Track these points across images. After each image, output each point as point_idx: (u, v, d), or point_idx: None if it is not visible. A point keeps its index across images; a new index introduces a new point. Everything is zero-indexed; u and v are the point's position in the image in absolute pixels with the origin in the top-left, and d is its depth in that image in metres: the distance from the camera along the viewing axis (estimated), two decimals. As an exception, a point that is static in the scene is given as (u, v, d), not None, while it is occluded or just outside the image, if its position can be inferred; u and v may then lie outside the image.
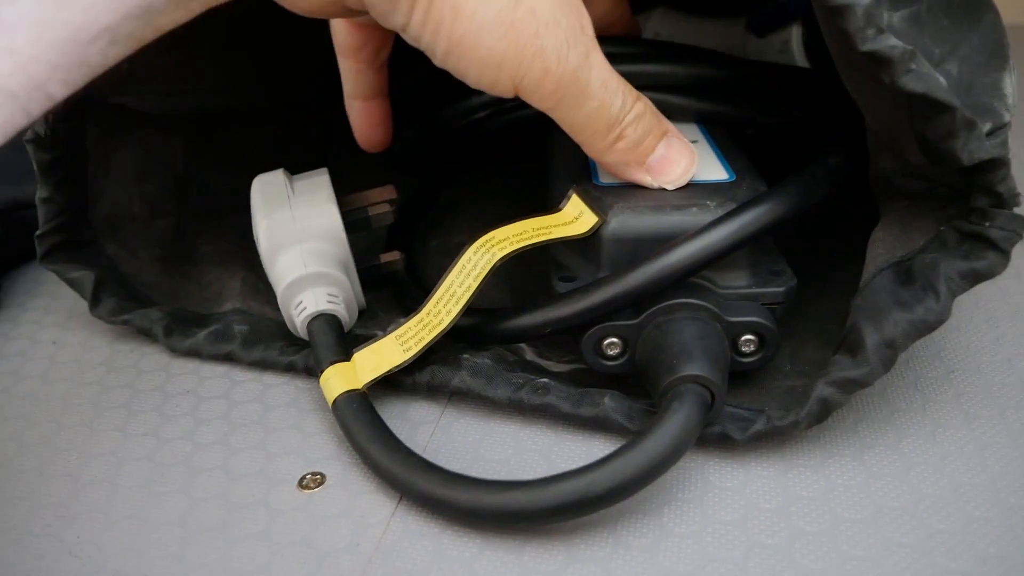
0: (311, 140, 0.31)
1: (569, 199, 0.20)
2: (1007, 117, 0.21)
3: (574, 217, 0.20)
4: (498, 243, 0.19)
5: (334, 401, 0.19)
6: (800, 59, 0.33)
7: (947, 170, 0.18)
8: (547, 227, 0.20)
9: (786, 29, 0.34)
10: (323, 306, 0.21)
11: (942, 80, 0.17)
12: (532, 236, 0.20)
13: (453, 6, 0.16)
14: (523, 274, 0.25)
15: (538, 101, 0.18)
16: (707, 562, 0.16)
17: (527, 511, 0.16)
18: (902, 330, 0.17)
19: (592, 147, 0.19)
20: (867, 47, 0.16)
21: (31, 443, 0.21)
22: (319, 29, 0.24)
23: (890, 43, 0.16)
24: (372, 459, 0.18)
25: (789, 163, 0.23)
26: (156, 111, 0.27)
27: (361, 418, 0.19)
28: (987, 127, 0.20)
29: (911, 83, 0.16)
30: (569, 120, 0.19)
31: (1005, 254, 0.17)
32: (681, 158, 0.20)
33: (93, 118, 0.24)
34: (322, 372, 0.20)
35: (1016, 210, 0.17)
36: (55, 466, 0.20)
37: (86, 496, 0.19)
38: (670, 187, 0.20)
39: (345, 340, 0.21)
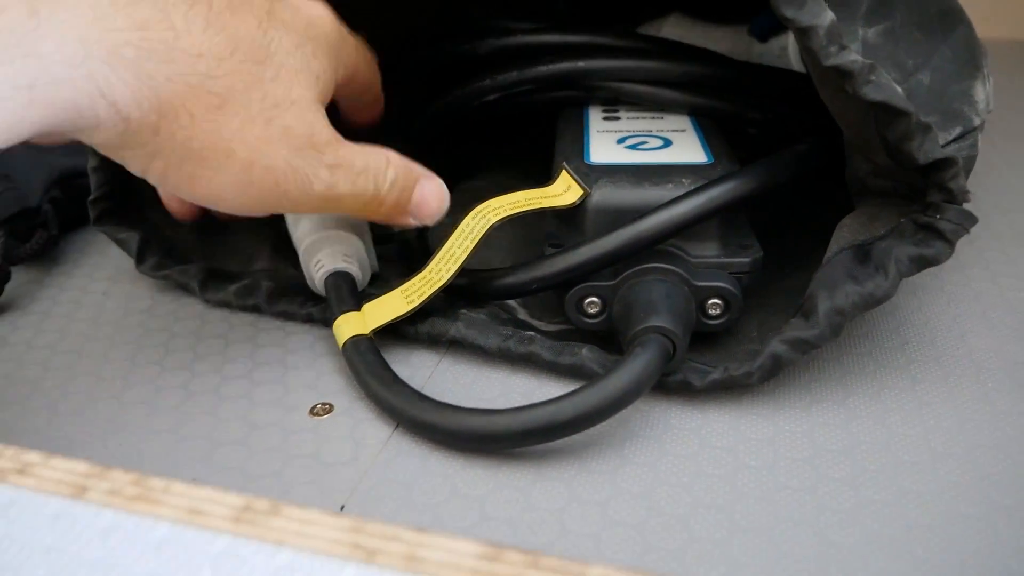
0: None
1: (559, 174, 0.23)
2: (977, 121, 0.23)
3: (563, 190, 0.22)
4: (493, 210, 0.22)
5: (344, 343, 0.22)
6: (796, 61, 0.35)
7: (909, 171, 0.20)
8: (538, 197, 0.22)
9: (784, 34, 0.36)
10: (339, 264, 0.24)
11: (899, 89, 0.19)
12: (524, 205, 0.22)
13: (189, 175, 0.18)
14: (524, 248, 0.28)
15: (300, 212, 0.21)
16: (658, 485, 0.18)
17: (500, 434, 0.18)
18: (851, 301, 0.20)
19: (360, 216, 0.22)
20: (830, 62, 0.18)
21: (81, 372, 0.24)
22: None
23: (851, 58, 0.18)
24: (372, 390, 0.21)
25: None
26: None
27: (366, 358, 0.21)
28: (957, 131, 0.23)
29: (871, 92, 0.18)
30: (335, 211, 0.21)
31: (951, 244, 0.19)
32: (433, 198, 0.23)
33: None
34: (335, 319, 0.23)
35: (966, 206, 0.19)
36: (101, 390, 0.23)
37: (128, 414, 0.22)
38: (429, 223, 0.23)
39: (357, 294, 0.24)
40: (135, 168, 0.19)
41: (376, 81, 0.26)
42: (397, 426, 0.21)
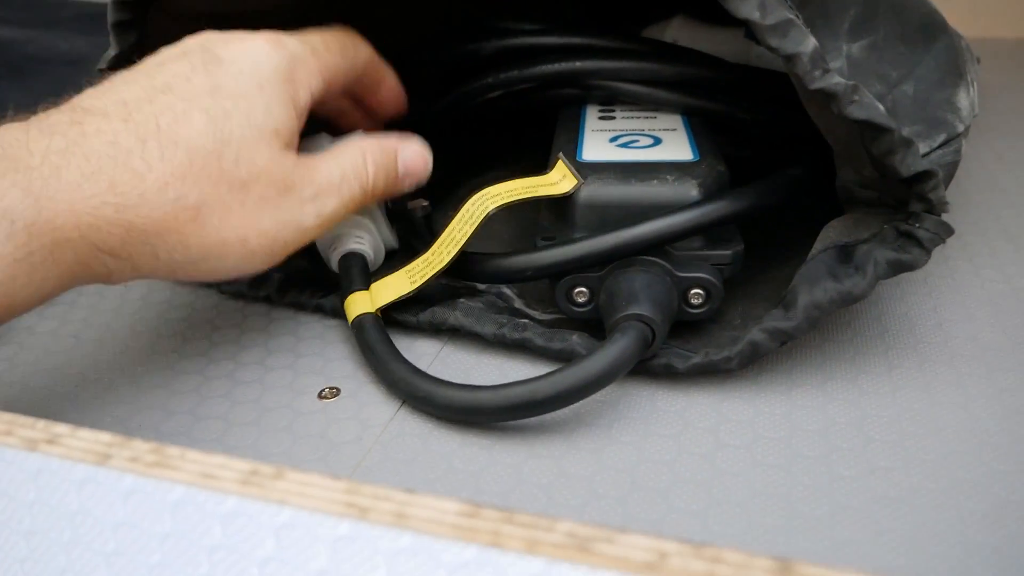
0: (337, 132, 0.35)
1: (555, 165, 0.24)
2: (961, 128, 0.24)
3: (559, 179, 0.24)
4: (491, 197, 0.23)
5: (353, 320, 0.23)
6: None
7: (893, 183, 0.21)
8: (535, 186, 0.24)
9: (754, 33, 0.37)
10: (352, 246, 0.26)
11: (881, 107, 0.20)
12: (521, 192, 0.23)
13: (198, 271, 0.21)
14: (522, 239, 0.29)
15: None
16: (642, 462, 0.20)
17: (486, 407, 0.20)
18: (829, 297, 0.21)
19: (366, 204, 0.24)
20: (815, 86, 0.20)
21: (104, 359, 0.25)
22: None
23: (834, 81, 0.20)
24: (375, 363, 0.22)
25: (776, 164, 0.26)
26: None
27: (372, 333, 0.23)
28: (941, 138, 0.24)
29: (855, 112, 0.20)
30: (343, 218, 0.23)
31: (927, 251, 0.21)
32: (416, 160, 0.25)
33: None
34: (345, 297, 0.24)
35: (945, 216, 0.20)
36: (121, 376, 0.24)
37: (147, 396, 0.23)
38: (423, 182, 0.25)
39: (367, 274, 0.25)
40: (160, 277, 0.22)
41: (383, 73, 0.27)
42: (400, 407, 0.22)
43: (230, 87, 0.21)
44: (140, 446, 0.15)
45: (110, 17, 0.25)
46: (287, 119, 0.22)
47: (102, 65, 0.26)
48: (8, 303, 0.19)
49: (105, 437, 0.15)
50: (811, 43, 0.20)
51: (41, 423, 0.16)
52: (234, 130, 0.20)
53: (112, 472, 0.14)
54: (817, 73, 0.20)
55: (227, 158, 0.20)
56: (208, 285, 0.28)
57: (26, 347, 0.26)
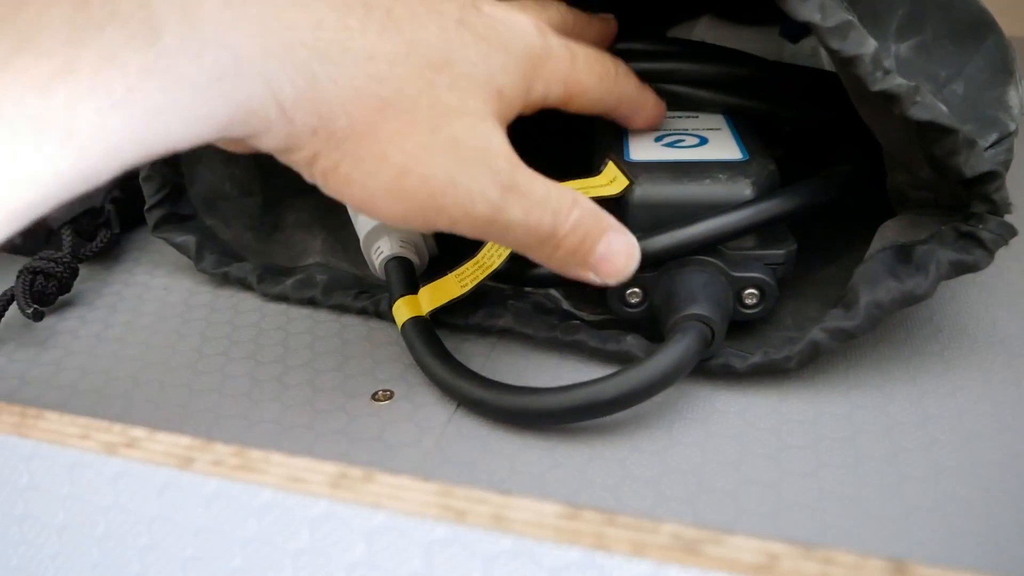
0: None
1: (605, 165, 0.24)
2: (1012, 127, 0.24)
3: (609, 180, 0.24)
4: (542, 201, 0.23)
5: (403, 324, 0.23)
6: (827, 62, 0.36)
7: (952, 183, 0.21)
8: (586, 187, 0.23)
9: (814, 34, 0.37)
10: (397, 250, 0.25)
11: (943, 108, 0.20)
12: None
13: (345, 177, 0.17)
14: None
15: (463, 234, 0.19)
16: (706, 463, 0.19)
17: (549, 410, 0.20)
18: (891, 296, 0.21)
19: (533, 256, 0.20)
20: (877, 88, 0.19)
21: (152, 362, 0.25)
22: None
23: (896, 82, 0.19)
24: (429, 368, 0.22)
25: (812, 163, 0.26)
26: None
27: (423, 337, 0.23)
28: (993, 137, 0.23)
29: (918, 113, 0.19)
30: (503, 241, 0.20)
31: (991, 253, 0.20)
32: (621, 255, 0.20)
33: None
34: (394, 302, 0.24)
35: (1007, 217, 0.20)
36: (173, 379, 0.24)
37: (199, 401, 0.23)
38: (612, 282, 0.20)
39: (415, 278, 0.25)
40: (302, 172, 0.18)
41: (641, 104, 0.25)
42: (456, 409, 0.22)
43: (477, 28, 0.18)
44: (222, 449, 0.15)
45: None
46: (514, 95, 0.19)
47: None
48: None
49: (185, 440, 0.15)
50: (871, 44, 0.20)
51: (117, 427, 0.15)
52: (463, 59, 0.18)
53: (195, 476, 0.14)
54: (879, 74, 0.20)
55: (443, 78, 0.17)
56: (250, 288, 0.28)
57: (72, 351, 0.26)
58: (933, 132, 0.20)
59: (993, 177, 0.20)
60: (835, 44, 0.20)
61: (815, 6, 0.20)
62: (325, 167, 0.17)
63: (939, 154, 0.20)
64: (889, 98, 0.19)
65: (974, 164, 0.20)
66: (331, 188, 0.18)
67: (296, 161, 0.18)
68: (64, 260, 0.29)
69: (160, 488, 0.15)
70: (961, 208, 0.21)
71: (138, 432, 0.15)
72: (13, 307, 0.27)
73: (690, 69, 0.28)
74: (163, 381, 0.24)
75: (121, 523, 0.15)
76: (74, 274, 0.29)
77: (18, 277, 0.27)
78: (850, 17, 0.20)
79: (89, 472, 0.15)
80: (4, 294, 0.27)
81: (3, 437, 0.15)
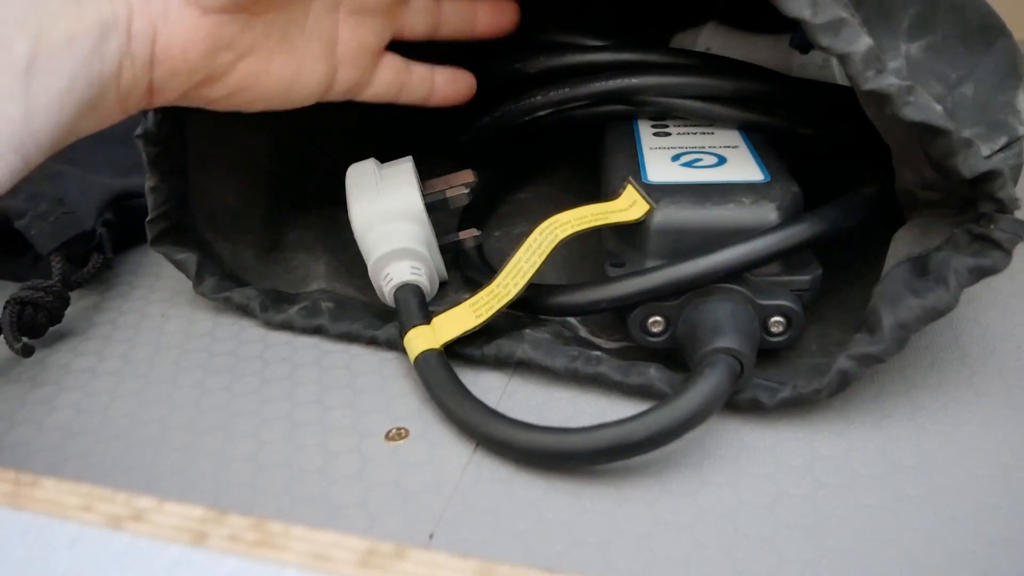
0: (380, 146, 0.34)
1: (624, 189, 0.23)
2: (1021, 131, 0.23)
3: (629, 204, 0.23)
4: (560, 225, 0.22)
5: (416, 357, 0.22)
6: (839, 74, 0.35)
7: (958, 182, 0.20)
8: (604, 212, 0.23)
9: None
10: (407, 277, 0.24)
11: (938, 108, 0.19)
12: (591, 220, 0.22)
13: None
14: (577, 263, 0.28)
15: None
16: (740, 506, 0.19)
17: (576, 451, 0.19)
18: (915, 315, 0.20)
19: None
20: (868, 87, 0.19)
21: (151, 399, 0.24)
22: None
23: (888, 82, 0.19)
24: (447, 406, 0.21)
25: (829, 176, 0.26)
26: (247, 112, 0.30)
27: (439, 372, 0.22)
28: (1003, 140, 0.23)
29: (910, 113, 0.19)
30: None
31: (1008, 253, 0.20)
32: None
33: (192, 119, 0.28)
34: (406, 333, 0.23)
35: (1018, 214, 0.20)
36: (174, 418, 0.23)
37: (203, 443, 0.22)
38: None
39: (426, 307, 0.24)
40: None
41: None
42: (475, 449, 0.21)
43: None
44: (238, 522, 0.14)
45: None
46: None
47: None
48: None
49: (197, 512, 0.14)
50: (864, 42, 0.19)
51: (122, 496, 0.14)
52: None
53: (210, 554, 0.13)
54: (870, 73, 0.19)
55: None
56: (253, 315, 0.27)
57: (64, 387, 0.25)
58: (927, 133, 0.19)
59: (994, 176, 0.19)
60: (825, 41, 0.19)
61: (806, 2, 0.19)
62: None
63: (936, 155, 0.20)
64: (881, 98, 0.19)
65: (972, 164, 0.19)
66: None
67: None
68: (54, 288, 0.27)
69: (170, 567, 0.14)
70: (970, 207, 0.21)
71: (145, 502, 0.14)
72: (0, 340, 0.26)
73: (707, 83, 0.27)
74: (163, 421, 0.23)
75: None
76: (65, 303, 0.28)
77: (4, 308, 0.26)
78: (844, 14, 0.19)
79: (92, 548, 0.14)
80: (-9, 328, 0.26)
81: None
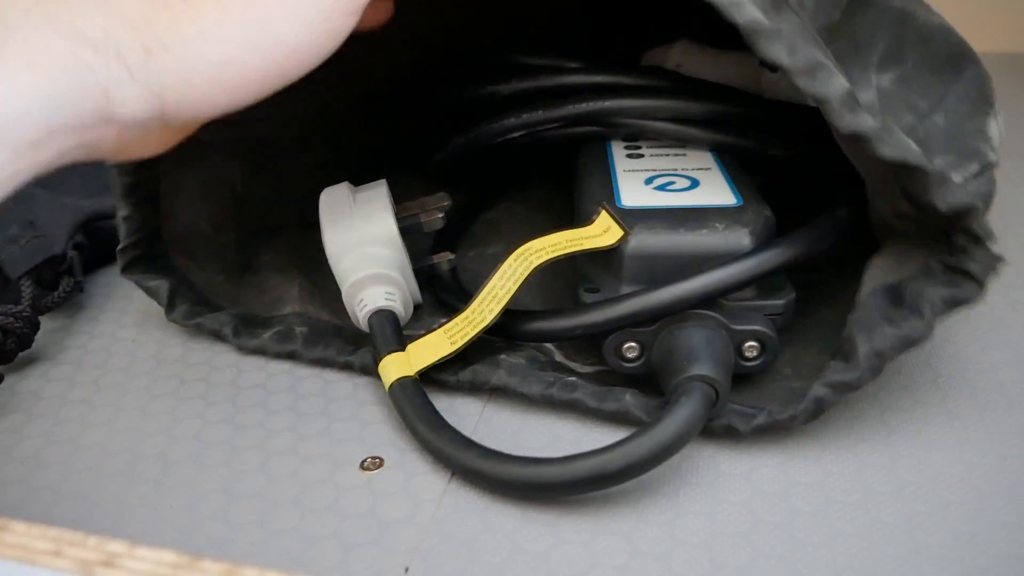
0: (352, 165, 0.33)
1: (599, 215, 0.23)
2: (992, 157, 0.24)
3: (603, 230, 0.23)
4: (535, 252, 0.22)
5: (390, 385, 0.22)
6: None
7: (933, 215, 0.20)
8: (579, 239, 0.23)
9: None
10: (381, 303, 0.24)
11: (914, 146, 0.19)
12: (565, 246, 0.22)
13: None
14: (551, 285, 0.28)
15: None
16: (717, 535, 0.19)
17: (553, 483, 0.19)
18: (890, 343, 0.20)
19: None
20: (846, 129, 0.19)
21: (122, 427, 0.24)
22: (350, 77, 0.27)
23: (866, 124, 0.19)
24: (422, 436, 0.21)
25: (800, 194, 0.26)
26: (217, 139, 0.30)
27: (413, 401, 0.22)
28: (975, 168, 0.23)
29: (888, 152, 0.19)
30: None
31: (981, 284, 0.20)
32: None
33: None
34: (380, 360, 0.23)
35: (993, 246, 0.20)
36: (145, 447, 0.23)
37: (175, 473, 0.22)
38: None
39: (401, 333, 0.24)
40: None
41: None
42: (451, 479, 0.21)
43: None
44: (211, 567, 0.13)
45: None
46: None
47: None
48: None
49: (169, 557, 0.14)
50: (840, 85, 0.19)
51: (93, 540, 0.14)
52: None
53: (180, 600, 0.13)
54: (848, 116, 0.19)
55: None
56: (225, 340, 0.27)
57: (34, 415, 0.24)
58: (904, 171, 0.19)
59: (970, 209, 0.19)
60: (802, 83, 0.19)
61: (783, 46, 0.19)
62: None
63: (913, 191, 0.20)
64: (858, 138, 0.19)
65: (949, 199, 0.19)
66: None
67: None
68: (24, 314, 0.27)
69: (140, 612, 0.13)
70: (944, 238, 0.21)
71: (117, 547, 0.14)
72: (-32, 369, 0.25)
73: (679, 106, 0.28)
74: (134, 451, 0.23)
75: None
76: (35, 328, 0.27)
77: (-27, 335, 0.25)
78: (819, 56, 0.19)
79: (61, 595, 0.14)
80: (-43, 356, 0.25)
81: (-39, 565, 0.14)
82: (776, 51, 0.19)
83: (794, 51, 0.19)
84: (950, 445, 0.21)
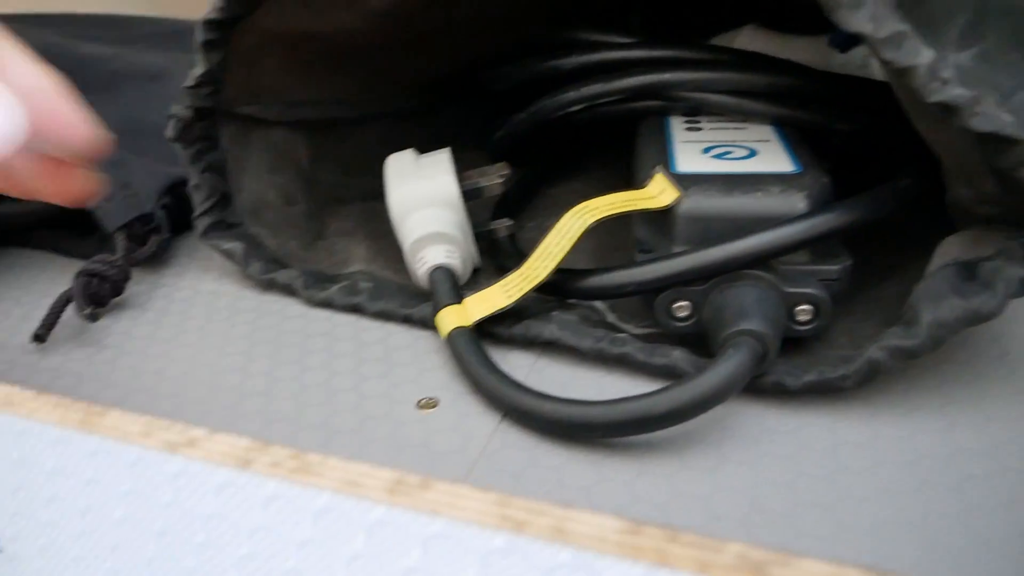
0: (412, 142, 0.35)
1: (653, 177, 0.24)
2: None
3: (658, 192, 0.23)
4: (590, 210, 0.23)
5: (448, 334, 0.23)
6: (879, 71, 0.35)
7: (1019, 197, 0.20)
8: (634, 199, 0.23)
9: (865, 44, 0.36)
10: (441, 260, 0.25)
11: (1008, 117, 0.19)
12: (620, 206, 0.23)
13: None
14: (609, 252, 0.29)
15: None
16: (759, 483, 0.19)
17: (598, 423, 0.19)
18: (956, 315, 0.20)
19: None
20: (935, 98, 0.19)
21: (202, 363, 0.26)
22: (411, 53, 0.28)
23: (955, 92, 0.19)
24: (475, 378, 0.22)
25: (867, 177, 0.26)
26: (278, 119, 0.32)
27: (469, 346, 0.23)
28: None
29: (980, 124, 0.18)
30: None
31: None
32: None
33: (224, 123, 0.29)
34: (438, 311, 0.24)
35: None
36: (222, 382, 0.25)
37: (248, 404, 0.23)
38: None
39: (459, 288, 0.25)
40: None
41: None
42: (502, 419, 0.22)
43: None
44: (280, 452, 0.15)
45: (198, 36, 0.26)
46: None
47: (189, 83, 0.27)
48: None
49: (244, 442, 0.15)
50: (927, 54, 0.19)
51: (179, 425, 0.16)
52: None
53: (253, 477, 0.14)
54: (935, 85, 0.19)
55: None
56: (296, 294, 0.28)
57: (124, 351, 0.27)
58: (996, 143, 0.19)
59: None
60: (888, 55, 0.19)
61: (866, 15, 0.19)
62: None
63: (1004, 166, 0.19)
64: (948, 109, 0.19)
65: None
66: None
67: None
68: (118, 264, 0.29)
69: (218, 488, 0.15)
70: None
71: (198, 432, 0.16)
72: (69, 308, 0.28)
73: (740, 79, 0.28)
74: (213, 383, 0.24)
75: (179, 520, 0.15)
76: (127, 277, 0.30)
77: (76, 278, 0.28)
78: (904, 27, 0.19)
79: (150, 469, 0.15)
80: (62, 296, 0.28)
81: (68, 432, 0.15)
82: (859, 21, 0.19)
83: (878, 20, 0.19)
84: (1012, 417, 0.20)
